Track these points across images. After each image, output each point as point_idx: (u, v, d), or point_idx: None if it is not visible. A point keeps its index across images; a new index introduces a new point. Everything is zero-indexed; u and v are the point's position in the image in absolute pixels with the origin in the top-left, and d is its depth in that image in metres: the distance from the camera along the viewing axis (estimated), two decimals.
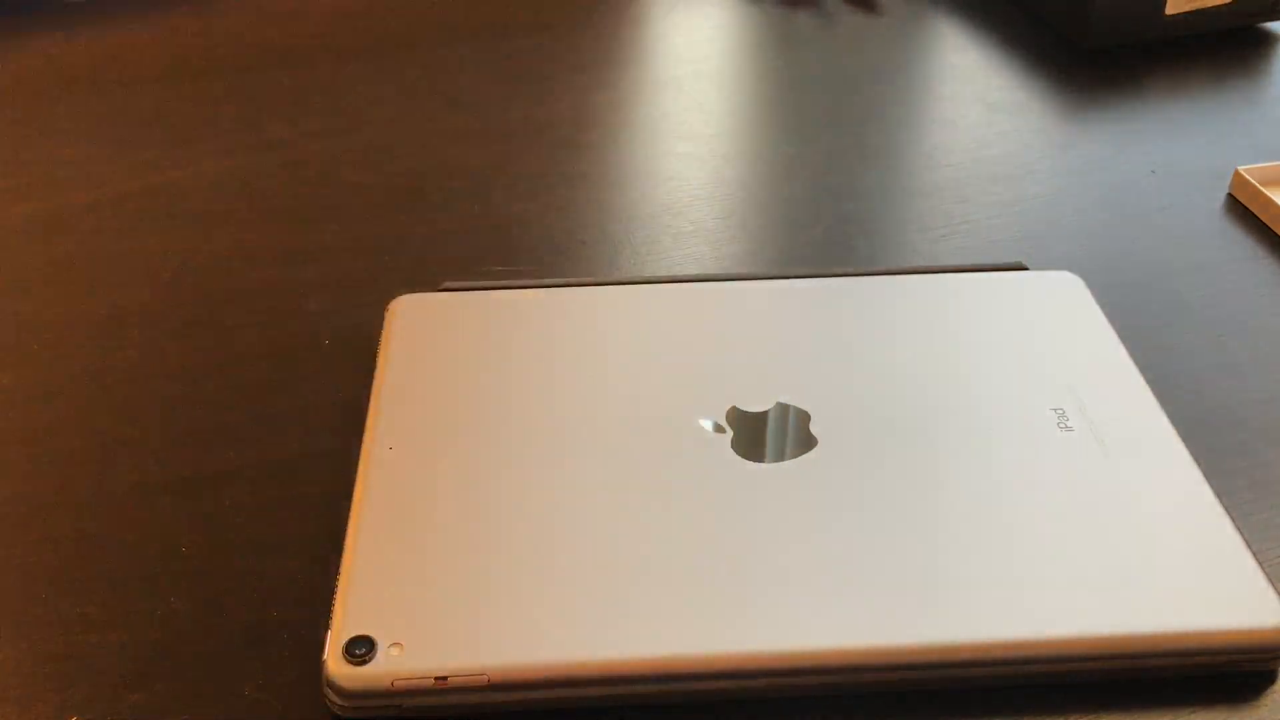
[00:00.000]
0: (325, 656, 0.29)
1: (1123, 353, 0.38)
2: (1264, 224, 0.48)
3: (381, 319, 0.40)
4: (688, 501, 0.33)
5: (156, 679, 0.31)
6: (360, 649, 0.29)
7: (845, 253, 0.46)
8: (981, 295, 0.41)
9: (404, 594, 0.30)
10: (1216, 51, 0.59)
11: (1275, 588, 0.31)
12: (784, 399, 0.36)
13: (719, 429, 0.35)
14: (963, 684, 0.30)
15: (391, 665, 0.29)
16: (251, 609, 0.33)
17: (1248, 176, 0.48)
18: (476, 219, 0.48)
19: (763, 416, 0.36)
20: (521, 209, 0.48)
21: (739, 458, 0.34)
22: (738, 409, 0.36)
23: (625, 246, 0.46)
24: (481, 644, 0.29)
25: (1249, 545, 0.32)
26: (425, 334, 0.39)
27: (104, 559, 0.34)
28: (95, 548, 0.34)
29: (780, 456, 0.34)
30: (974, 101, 0.56)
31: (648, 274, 0.45)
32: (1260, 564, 0.32)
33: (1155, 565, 0.31)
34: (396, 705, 0.29)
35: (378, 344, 0.39)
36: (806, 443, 0.35)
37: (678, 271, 0.45)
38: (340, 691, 0.29)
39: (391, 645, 0.29)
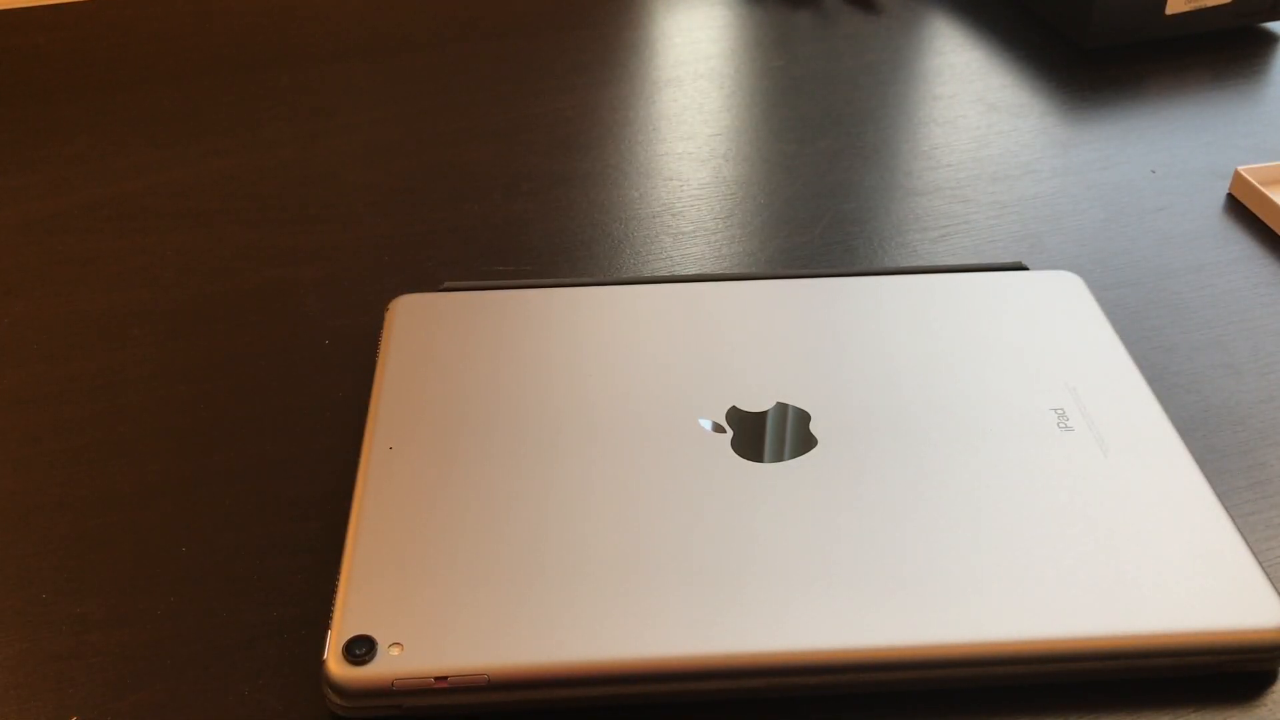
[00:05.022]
0: (325, 656, 0.29)
1: (1123, 352, 0.38)
2: (1263, 224, 0.48)
3: (381, 319, 0.40)
4: (688, 501, 0.33)
5: (156, 679, 0.31)
6: (360, 649, 0.29)
7: (845, 253, 0.46)
8: (981, 295, 0.41)
9: (404, 594, 0.30)
10: (1216, 51, 0.59)
11: (1275, 588, 0.31)
12: (784, 399, 0.36)
13: (719, 429, 0.35)
14: (962, 684, 0.30)
15: (391, 665, 0.29)
16: (251, 609, 0.33)
17: (1248, 176, 0.48)
18: (476, 219, 0.48)
19: (762, 416, 0.36)
20: (521, 209, 0.48)
21: (739, 457, 0.34)
22: (737, 409, 0.36)
23: (625, 246, 0.46)
24: (481, 644, 0.29)
25: (1249, 545, 0.32)
26: (425, 334, 0.39)
27: (104, 559, 0.34)
28: (95, 548, 0.34)
29: (780, 456, 0.34)
30: (974, 101, 0.56)
31: (648, 274, 0.45)
32: (1260, 564, 0.32)
33: (1155, 565, 0.31)
34: (396, 705, 0.29)
35: (378, 344, 0.39)
36: (806, 442, 0.35)
37: (678, 271, 0.45)
38: (340, 691, 0.29)
39: (391, 645, 0.29)
